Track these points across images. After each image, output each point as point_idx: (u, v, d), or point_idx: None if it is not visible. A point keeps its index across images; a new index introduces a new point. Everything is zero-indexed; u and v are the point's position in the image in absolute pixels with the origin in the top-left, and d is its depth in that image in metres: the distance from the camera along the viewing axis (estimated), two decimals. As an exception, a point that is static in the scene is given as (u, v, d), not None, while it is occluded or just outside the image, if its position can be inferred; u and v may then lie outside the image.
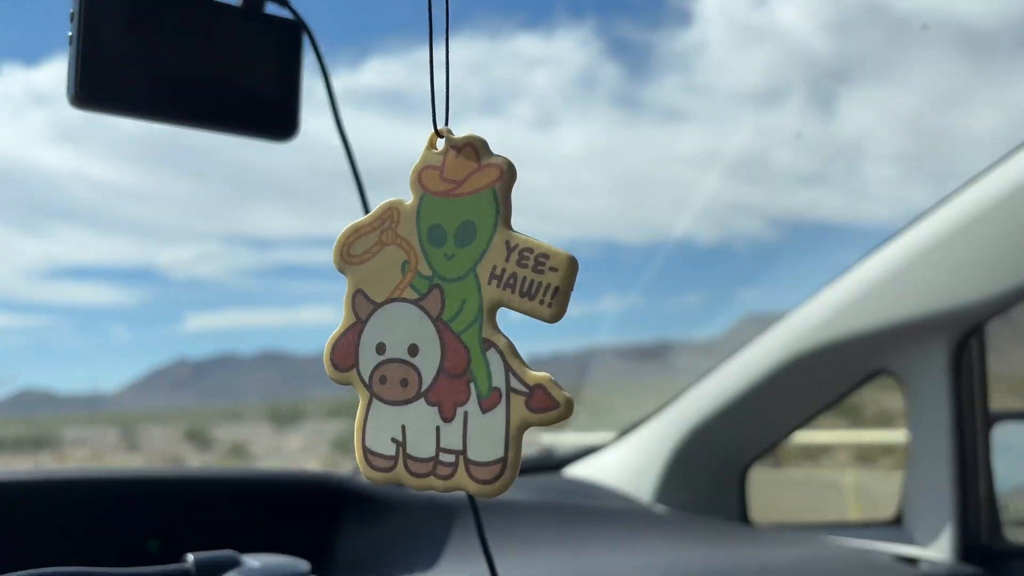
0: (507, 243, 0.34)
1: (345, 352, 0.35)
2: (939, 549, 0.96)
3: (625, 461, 1.17)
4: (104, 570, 0.53)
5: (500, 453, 0.33)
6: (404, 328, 0.35)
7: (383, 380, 0.35)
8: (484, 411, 0.34)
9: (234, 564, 0.57)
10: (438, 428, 0.34)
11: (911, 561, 0.93)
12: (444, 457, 0.34)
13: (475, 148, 0.34)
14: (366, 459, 0.35)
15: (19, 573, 0.50)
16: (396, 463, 0.35)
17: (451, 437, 0.34)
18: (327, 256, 0.36)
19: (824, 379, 1.07)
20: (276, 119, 0.54)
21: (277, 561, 0.59)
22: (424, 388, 0.34)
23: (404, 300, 0.35)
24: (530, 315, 0.33)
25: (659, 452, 1.14)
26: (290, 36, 0.54)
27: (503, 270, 0.34)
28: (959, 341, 0.96)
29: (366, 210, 0.53)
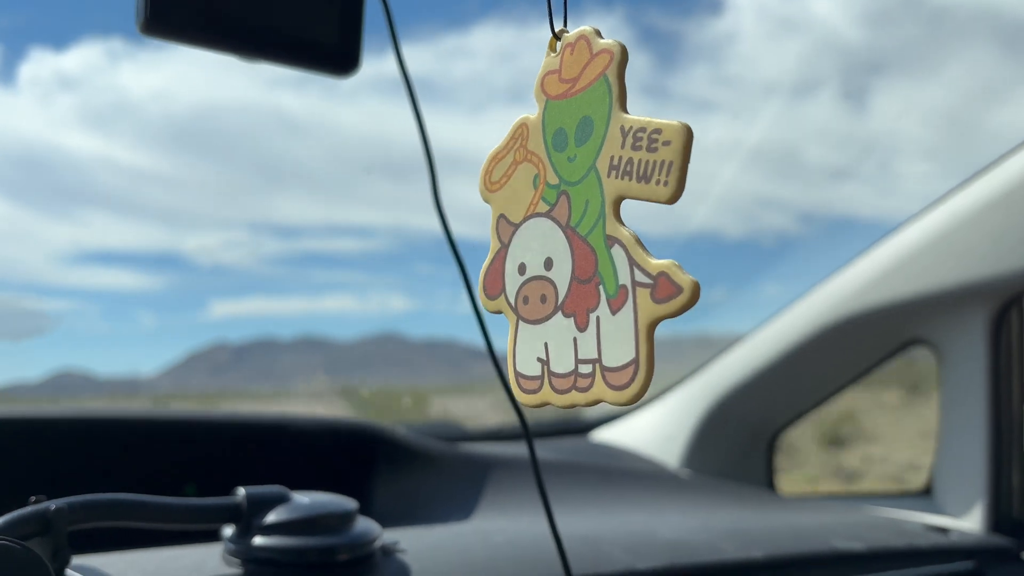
0: (622, 128, 0.32)
1: (493, 279, 0.35)
2: (970, 520, 0.96)
3: (653, 426, 1.17)
4: (159, 499, 0.54)
5: (632, 354, 0.31)
6: (539, 243, 0.34)
7: (526, 300, 0.34)
8: (614, 312, 0.32)
9: (283, 500, 0.58)
10: (575, 339, 0.33)
11: (942, 530, 0.93)
12: (582, 368, 0.33)
13: (587, 39, 0.33)
14: (519, 383, 0.34)
15: (77, 497, 0.50)
16: (542, 383, 0.34)
17: (587, 346, 0.33)
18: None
19: (858, 347, 1.07)
20: (337, 54, 0.54)
21: (326, 499, 0.59)
22: (560, 300, 0.33)
23: (538, 215, 0.34)
24: (649, 200, 0.31)
25: (688, 417, 1.14)
26: None
27: (620, 158, 0.32)
28: (999, 311, 0.95)
29: (428, 153, 0.52)
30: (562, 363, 0.33)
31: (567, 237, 0.33)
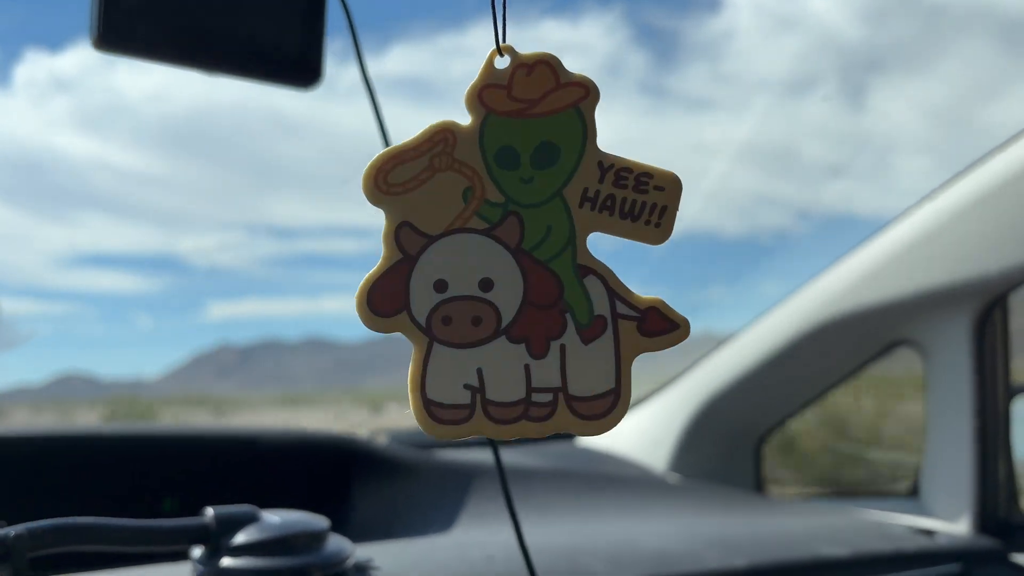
0: (600, 163, 0.32)
1: (389, 294, 0.32)
2: (957, 521, 0.96)
3: (640, 430, 1.17)
4: (122, 521, 0.53)
5: (611, 384, 0.32)
6: (472, 261, 0.32)
7: (446, 321, 0.32)
8: (586, 342, 0.32)
9: (253, 519, 0.57)
10: (528, 366, 0.32)
11: (928, 533, 0.92)
12: (538, 397, 0.32)
13: (551, 67, 0.32)
14: (429, 413, 0.32)
15: (38, 523, 0.49)
16: (472, 412, 0.32)
17: (546, 374, 0.32)
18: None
19: (844, 349, 1.06)
20: (299, 66, 0.53)
21: (296, 517, 0.58)
22: (505, 324, 0.32)
23: (469, 231, 0.32)
24: (633, 238, 0.32)
25: (675, 421, 1.13)
26: None
27: (597, 191, 0.32)
28: (982, 312, 0.95)
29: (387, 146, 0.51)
30: (506, 392, 0.32)
31: (517, 260, 0.32)
